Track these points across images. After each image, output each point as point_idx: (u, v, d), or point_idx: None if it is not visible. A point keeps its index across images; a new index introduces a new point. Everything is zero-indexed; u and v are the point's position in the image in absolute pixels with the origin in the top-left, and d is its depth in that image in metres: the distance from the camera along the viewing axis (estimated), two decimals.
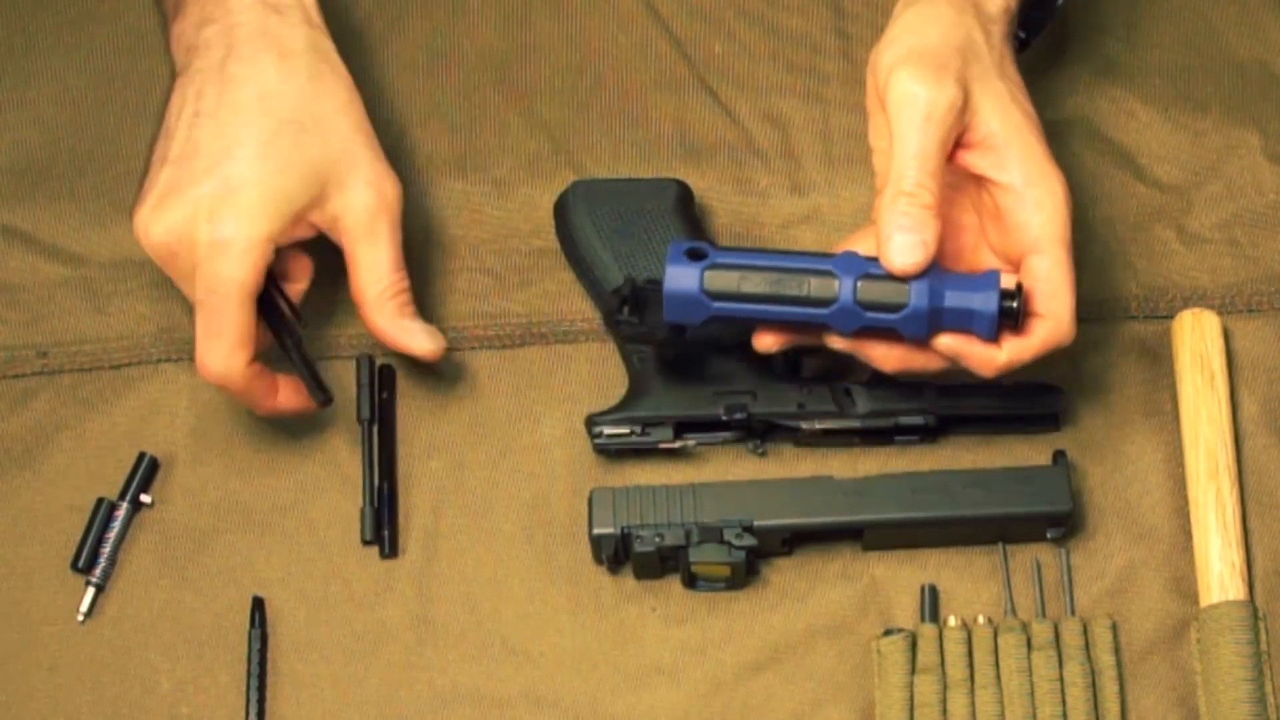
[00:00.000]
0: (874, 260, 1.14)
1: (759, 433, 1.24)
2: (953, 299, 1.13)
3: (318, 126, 1.19)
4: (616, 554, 1.21)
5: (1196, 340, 1.25)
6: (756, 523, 1.20)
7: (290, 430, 1.26)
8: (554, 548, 1.23)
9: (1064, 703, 1.18)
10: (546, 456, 1.25)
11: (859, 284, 1.13)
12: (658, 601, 1.22)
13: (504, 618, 1.22)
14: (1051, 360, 1.25)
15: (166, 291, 1.27)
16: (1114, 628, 1.20)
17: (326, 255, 1.30)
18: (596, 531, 1.20)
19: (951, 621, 1.20)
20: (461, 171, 1.33)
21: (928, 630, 1.20)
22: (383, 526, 1.23)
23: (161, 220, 1.16)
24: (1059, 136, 1.32)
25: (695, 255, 1.15)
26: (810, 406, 1.23)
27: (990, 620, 1.21)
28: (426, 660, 1.21)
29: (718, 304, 1.15)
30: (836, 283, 1.14)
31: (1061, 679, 1.18)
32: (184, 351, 1.27)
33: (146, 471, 1.24)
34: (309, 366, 1.21)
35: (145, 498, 1.24)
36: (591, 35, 1.36)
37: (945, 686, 1.19)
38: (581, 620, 1.22)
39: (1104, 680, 1.19)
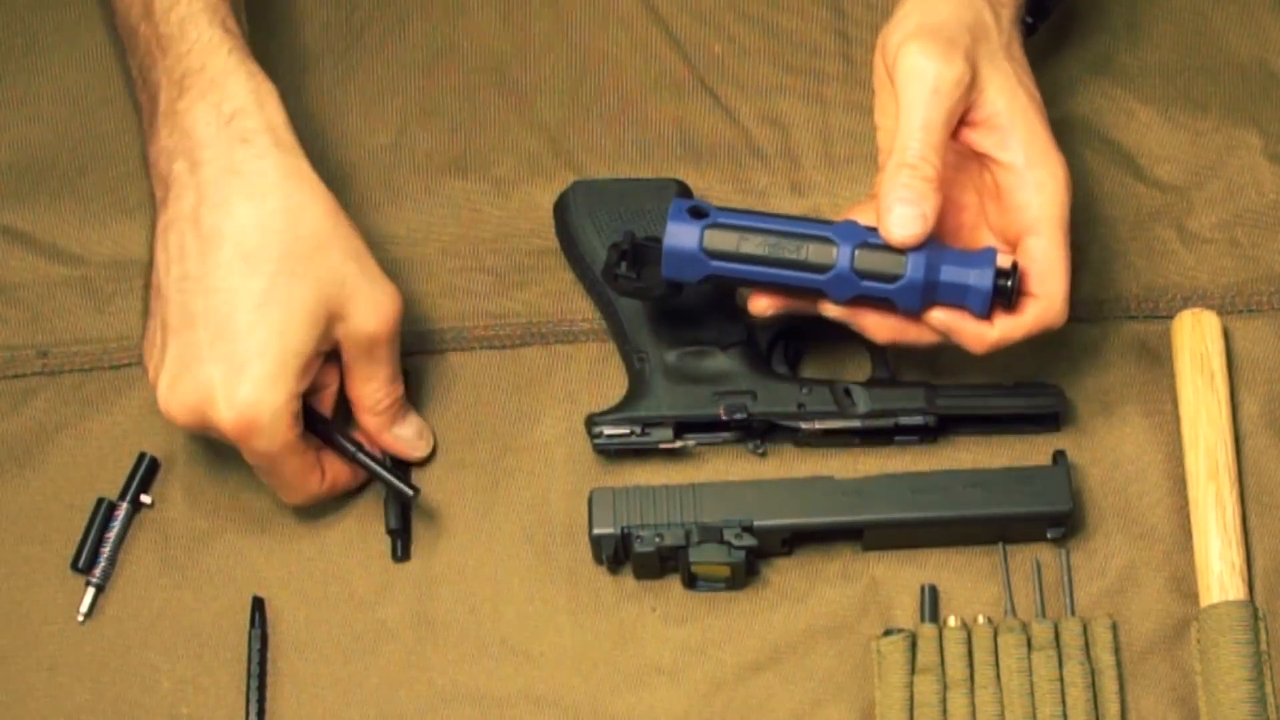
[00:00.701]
0: (873, 230, 1.15)
1: (759, 433, 1.24)
2: (948, 273, 1.14)
3: (306, 267, 1.15)
4: (616, 554, 1.21)
5: (1196, 340, 1.25)
6: (756, 523, 1.20)
7: None
8: (554, 548, 1.23)
9: (1064, 703, 1.18)
10: (546, 456, 1.25)
11: (856, 252, 1.14)
12: (658, 601, 1.22)
13: (504, 618, 1.22)
14: (1052, 360, 1.25)
15: None
16: (1114, 628, 1.20)
17: None
18: (596, 531, 1.20)
19: (951, 621, 1.20)
20: (461, 171, 1.33)
21: (928, 630, 1.20)
22: (398, 529, 1.23)
23: (180, 402, 1.15)
24: (1059, 136, 1.31)
25: (697, 213, 1.16)
26: (810, 406, 1.23)
27: (990, 620, 1.21)
28: (426, 660, 1.21)
29: (716, 263, 1.16)
30: (834, 249, 1.15)
31: (1061, 679, 1.18)
32: None
33: (147, 472, 1.24)
34: (385, 469, 1.21)
35: (145, 498, 1.24)
36: (591, 35, 1.36)
37: (945, 686, 1.19)
38: (581, 620, 1.22)
39: (1104, 680, 1.19)
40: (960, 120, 1.16)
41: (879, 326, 1.18)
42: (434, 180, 1.32)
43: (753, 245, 1.15)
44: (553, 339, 1.28)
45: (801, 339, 1.26)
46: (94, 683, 1.21)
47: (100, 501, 1.23)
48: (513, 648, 1.21)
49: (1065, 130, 1.32)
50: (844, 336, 1.23)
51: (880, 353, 1.25)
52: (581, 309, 1.29)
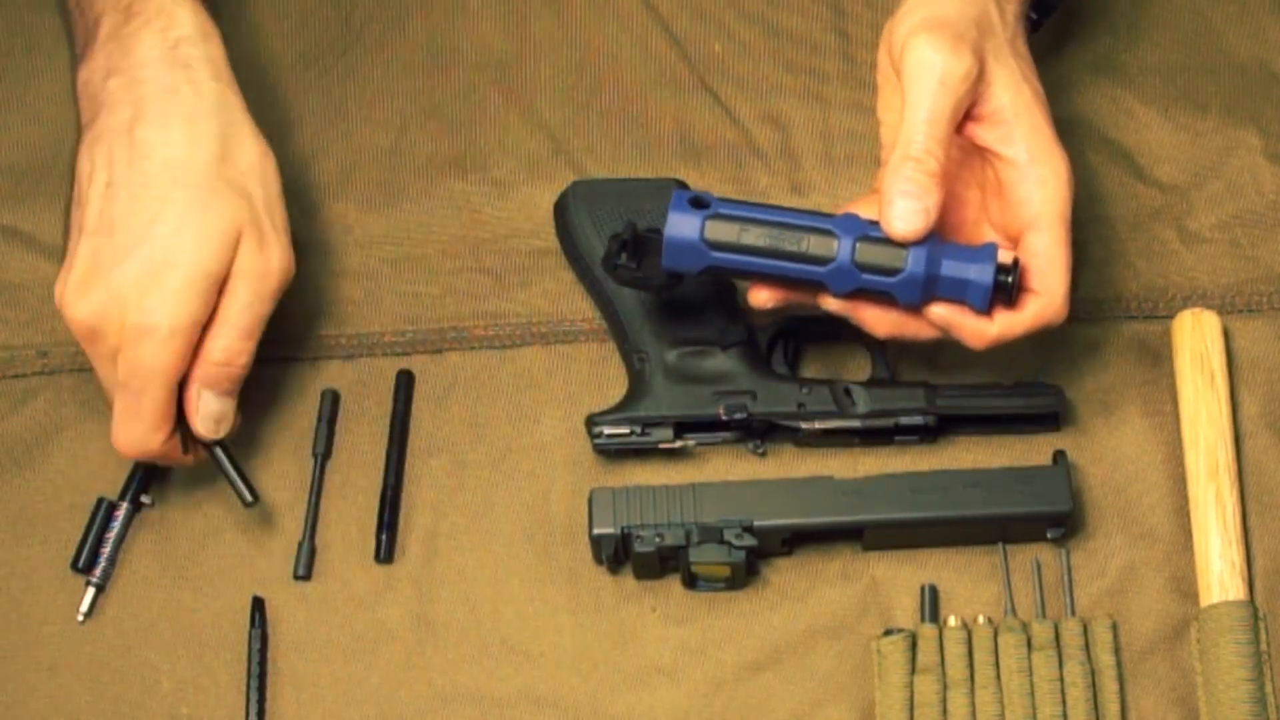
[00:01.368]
0: (875, 223, 1.15)
1: (759, 433, 1.24)
2: (949, 268, 1.14)
3: (228, 189, 1.17)
4: (616, 554, 1.21)
5: (1196, 340, 1.25)
6: (756, 523, 1.20)
7: (291, 431, 1.26)
8: (554, 548, 1.23)
9: (1064, 703, 1.18)
10: (546, 456, 1.25)
11: (857, 245, 1.14)
12: (658, 601, 1.22)
13: (504, 618, 1.22)
14: (1052, 360, 1.25)
15: None
16: (1114, 628, 1.20)
17: (323, 255, 1.31)
18: (596, 531, 1.20)
19: (951, 621, 1.20)
20: (461, 171, 1.33)
21: (928, 630, 1.20)
22: (381, 530, 1.23)
23: (85, 300, 1.14)
24: (1059, 136, 1.32)
25: (698, 204, 1.16)
26: (810, 406, 1.23)
27: (990, 620, 1.21)
28: (426, 660, 1.21)
29: (716, 254, 1.16)
30: (835, 242, 1.15)
31: (1061, 679, 1.18)
32: None
33: (147, 472, 1.24)
34: (234, 466, 1.20)
35: (145, 498, 1.24)
36: (591, 35, 1.36)
37: (945, 686, 1.19)
38: (581, 620, 1.22)
39: (1104, 680, 1.19)
40: (965, 114, 1.16)
41: (879, 321, 1.18)
42: (434, 181, 1.32)
43: (753, 237, 1.15)
44: (553, 339, 1.28)
45: (801, 339, 1.26)
46: (94, 683, 1.21)
47: (100, 501, 1.23)
48: (513, 648, 1.21)
49: (1066, 130, 1.32)
50: (844, 336, 1.23)
51: (880, 353, 1.25)
52: (581, 309, 1.29)
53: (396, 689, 1.20)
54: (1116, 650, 1.20)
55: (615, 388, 1.26)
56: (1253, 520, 1.23)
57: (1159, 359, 1.27)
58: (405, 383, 1.27)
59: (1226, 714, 1.17)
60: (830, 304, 1.17)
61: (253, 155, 1.19)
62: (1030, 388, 1.24)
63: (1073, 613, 1.21)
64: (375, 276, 1.30)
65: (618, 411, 1.23)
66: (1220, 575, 1.20)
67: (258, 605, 1.22)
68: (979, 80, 1.15)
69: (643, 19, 1.36)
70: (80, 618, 1.22)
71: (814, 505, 1.21)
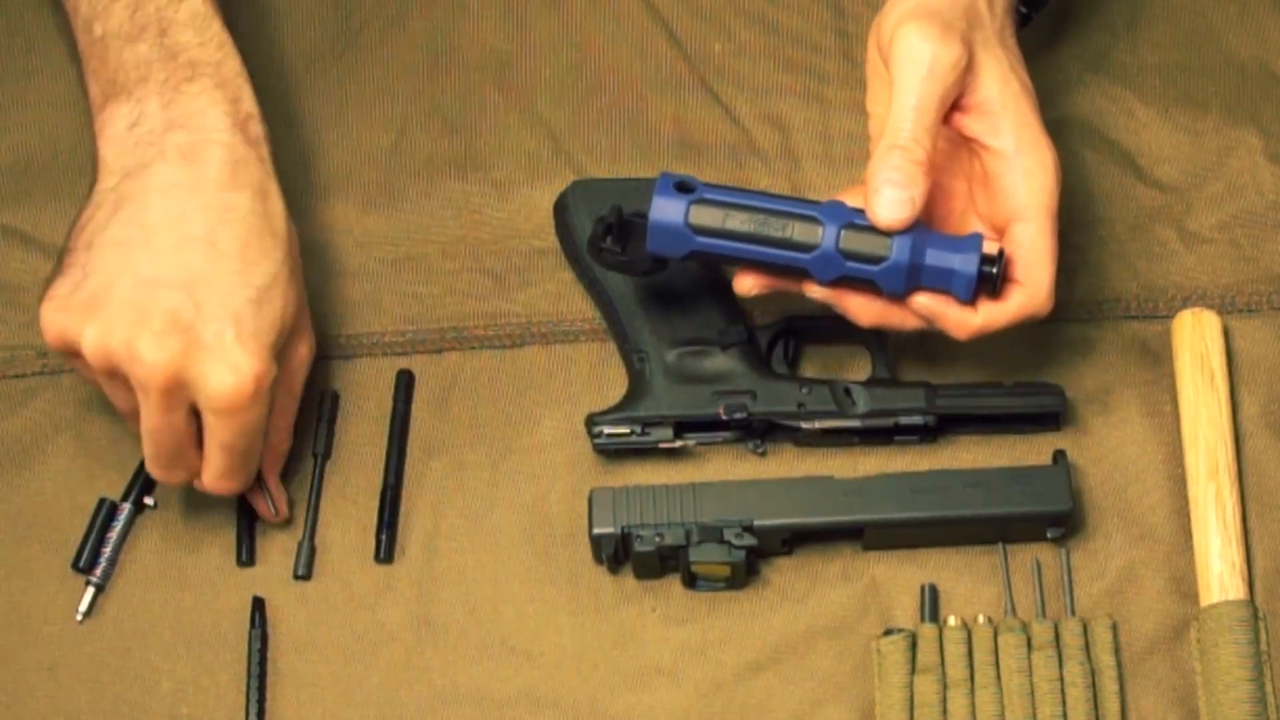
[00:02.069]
0: (861, 211, 1.15)
1: (759, 433, 1.24)
2: (933, 257, 1.14)
3: (298, 273, 1.19)
4: (616, 554, 1.21)
5: (1196, 340, 1.25)
6: (756, 523, 1.20)
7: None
8: (554, 548, 1.23)
9: (1064, 703, 1.18)
10: (546, 457, 1.25)
11: (842, 232, 1.15)
12: (658, 601, 1.22)
13: (504, 618, 1.22)
14: (1052, 360, 1.25)
15: None
16: (1114, 628, 1.20)
17: (323, 255, 1.31)
18: (596, 531, 1.20)
19: (951, 621, 1.20)
20: (461, 172, 1.33)
21: (928, 630, 1.20)
22: (381, 531, 1.23)
23: (162, 354, 1.13)
24: (1059, 136, 1.31)
25: (684, 188, 1.16)
26: (810, 406, 1.23)
27: (990, 620, 1.21)
28: (426, 660, 1.21)
29: (700, 239, 1.16)
30: (820, 229, 1.15)
31: (1061, 679, 1.18)
32: None
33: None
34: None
35: (149, 500, 1.24)
36: (591, 35, 1.36)
37: (945, 686, 1.19)
38: (581, 620, 1.22)
39: (1104, 680, 1.19)
40: (952, 105, 1.16)
41: (863, 310, 1.18)
42: (434, 181, 1.32)
43: (738, 222, 1.15)
44: (553, 339, 1.28)
45: (801, 339, 1.26)
46: (94, 683, 1.21)
47: (102, 501, 1.23)
48: (513, 648, 1.21)
49: (1065, 130, 1.32)
50: (844, 336, 1.23)
51: (880, 353, 1.25)
52: (581, 309, 1.29)
53: (396, 689, 1.20)
54: (1116, 650, 1.20)
55: (615, 388, 1.26)
56: (1253, 520, 1.23)
57: (1159, 359, 1.27)
58: (405, 383, 1.27)
59: (1226, 714, 1.17)
60: (814, 292, 1.17)
61: (297, 245, 1.20)
62: (1030, 388, 1.24)
63: (1073, 613, 1.21)
64: (375, 277, 1.30)
65: (618, 411, 1.23)
66: (1220, 575, 1.20)
67: (258, 605, 1.22)
68: (967, 70, 1.15)
69: (642, 19, 1.36)
70: (79, 617, 1.22)
71: (814, 505, 1.21)
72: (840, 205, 1.16)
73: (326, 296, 1.29)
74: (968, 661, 1.19)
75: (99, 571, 1.22)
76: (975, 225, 1.19)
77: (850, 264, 1.15)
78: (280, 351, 1.17)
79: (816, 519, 1.21)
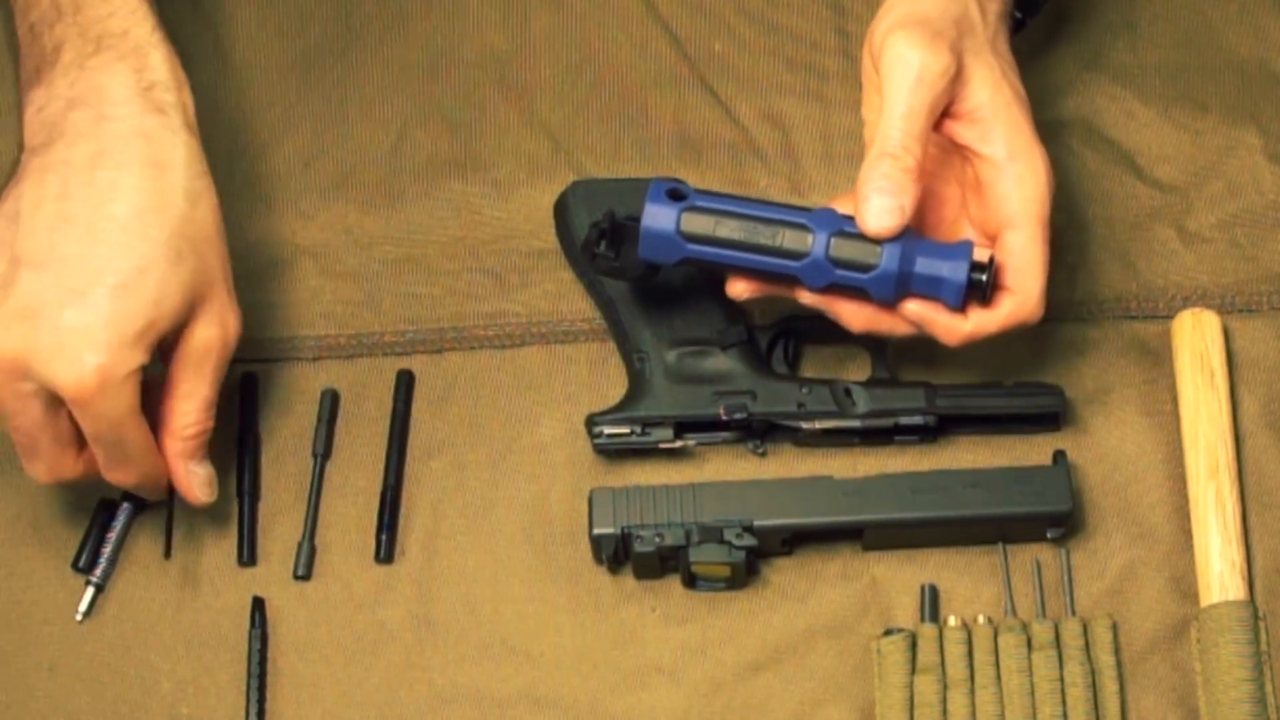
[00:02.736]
0: (852, 218, 1.15)
1: (759, 433, 1.24)
2: (923, 265, 1.15)
3: (191, 253, 1.14)
4: (616, 554, 1.21)
5: (1196, 340, 1.25)
6: (756, 523, 1.20)
7: (291, 430, 1.26)
8: (554, 548, 1.23)
9: (1064, 703, 1.18)
10: (546, 457, 1.25)
11: (832, 240, 1.15)
12: (658, 601, 1.22)
13: (504, 618, 1.22)
14: (1052, 360, 1.25)
15: None
16: (1114, 628, 1.20)
17: (323, 255, 1.30)
18: (596, 531, 1.20)
19: (951, 621, 1.20)
20: (461, 172, 1.33)
21: (928, 630, 1.20)
22: (381, 531, 1.23)
23: (13, 332, 1.10)
24: (1059, 136, 1.32)
25: (675, 195, 1.16)
26: (810, 406, 1.23)
27: (990, 620, 1.21)
28: (426, 660, 1.21)
29: (692, 246, 1.16)
30: (810, 237, 1.15)
31: (1061, 679, 1.18)
32: None
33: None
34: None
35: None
36: (591, 35, 1.36)
37: (945, 686, 1.19)
38: (581, 620, 1.22)
39: (1104, 680, 1.19)
40: (944, 112, 1.16)
41: (854, 316, 1.18)
42: (434, 181, 1.32)
43: (729, 230, 1.16)
44: (553, 339, 1.28)
45: (801, 339, 1.26)
46: (94, 683, 1.21)
47: (101, 501, 1.23)
48: (513, 648, 1.21)
49: (1065, 130, 1.32)
50: (844, 337, 1.23)
51: (880, 353, 1.25)
52: (581, 309, 1.29)
53: (396, 689, 1.20)
54: (1116, 650, 1.20)
55: (615, 388, 1.26)
56: (1253, 520, 1.23)
57: (1159, 359, 1.27)
58: (405, 383, 1.27)
59: (1226, 714, 1.17)
60: (805, 298, 1.18)
61: (213, 216, 1.16)
62: (1030, 388, 1.24)
63: (1073, 613, 1.21)
64: (375, 277, 1.30)
65: (618, 411, 1.23)
66: (1220, 575, 1.20)
67: (258, 605, 1.22)
68: (957, 78, 1.15)
69: (642, 18, 1.36)
70: (79, 617, 1.22)
71: (814, 505, 1.21)
72: (831, 212, 1.16)
73: (326, 296, 1.29)
74: (968, 661, 1.19)
75: (99, 571, 1.22)
76: (967, 232, 1.20)
77: (840, 271, 1.15)
78: (167, 335, 1.14)
79: (816, 519, 1.21)
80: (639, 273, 1.19)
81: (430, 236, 1.31)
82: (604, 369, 1.27)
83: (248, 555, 1.23)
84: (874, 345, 1.25)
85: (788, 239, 1.15)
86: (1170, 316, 1.27)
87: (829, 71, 1.35)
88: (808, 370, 1.27)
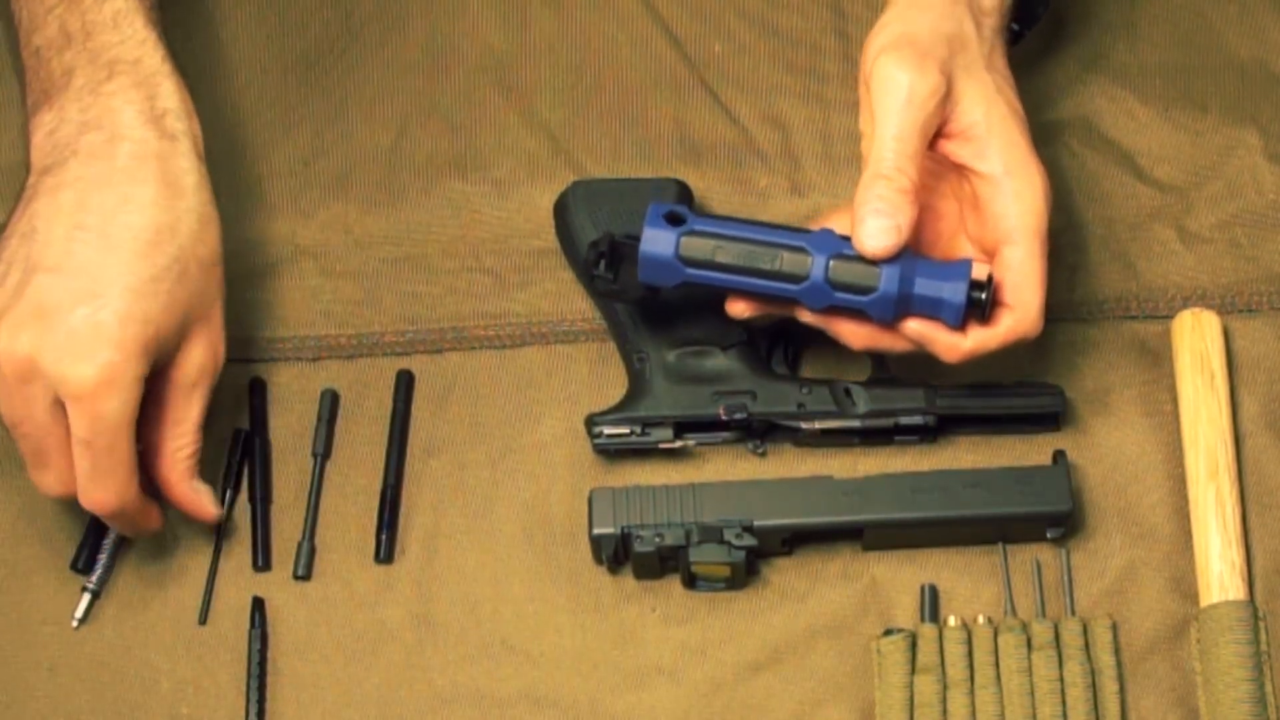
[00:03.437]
0: (849, 239, 1.15)
1: (759, 433, 1.24)
2: (922, 286, 1.15)
3: (197, 274, 1.16)
4: (616, 554, 1.21)
5: (1196, 340, 1.25)
6: (756, 523, 1.20)
7: (291, 430, 1.26)
8: (554, 548, 1.23)
9: (1064, 703, 1.18)
10: (546, 456, 1.25)
11: (831, 263, 1.15)
12: (658, 601, 1.22)
13: (504, 618, 1.22)
14: (1052, 360, 1.25)
15: None
16: (1114, 628, 1.20)
17: (323, 255, 1.31)
18: (596, 531, 1.20)
19: (951, 621, 1.20)
20: (461, 171, 1.33)
21: (928, 630, 1.20)
22: (381, 530, 1.23)
23: (25, 335, 1.11)
24: (1059, 136, 1.32)
25: (674, 220, 1.17)
26: (810, 406, 1.23)
27: (990, 620, 1.21)
28: (426, 660, 1.21)
29: (691, 270, 1.17)
30: (809, 260, 1.15)
31: (1061, 679, 1.18)
32: None
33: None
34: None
35: None
36: (591, 35, 1.36)
37: (945, 686, 1.19)
38: (581, 620, 1.22)
39: (1104, 680, 1.19)
40: (938, 132, 1.16)
41: (854, 334, 1.18)
42: (434, 181, 1.32)
43: (728, 254, 1.16)
44: (553, 339, 1.28)
45: (801, 339, 1.26)
46: (94, 683, 1.21)
47: None
48: (513, 648, 1.21)
49: (1065, 130, 1.32)
50: None
51: (880, 353, 1.25)
52: (581, 309, 1.29)
53: (396, 689, 1.20)
54: (1116, 650, 1.20)
55: (615, 388, 1.26)
56: (1253, 520, 1.23)
57: (1159, 359, 1.27)
58: (405, 383, 1.27)
59: (1226, 714, 1.17)
60: (806, 317, 1.18)
61: (218, 244, 1.18)
62: (1030, 388, 1.24)
63: (1073, 613, 1.21)
64: (375, 276, 1.30)
65: (618, 411, 1.23)
66: (1220, 575, 1.20)
67: (258, 605, 1.22)
68: (948, 98, 1.15)
69: (642, 19, 1.36)
70: (75, 623, 1.21)
71: (814, 505, 1.21)
72: (830, 234, 1.16)
73: (326, 296, 1.29)
74: (968, 661, 1.19)
75: (95, 578, 1.22)
76: (965, 246, 1.20)
77: (839, 294, 1.15)
78: (166, 352, 1.15)
79: (816, 519, 1.21)
80: (638, 294, 1.19)
81: (430, 236, 1.31)
82: (604, 369, 1.27)
83: (262, 561, 1.23)
84: None
85: (787, 263, 1.16)
86: (1170, 317, 1.27)
87: (828, 73, 1.35)
88: (808, 370, 1.27)
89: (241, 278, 1.24)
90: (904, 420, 1.23)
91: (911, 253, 1.15)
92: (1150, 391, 1.26)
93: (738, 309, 1.19)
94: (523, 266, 1.30)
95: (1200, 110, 1.33)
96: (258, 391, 1.26)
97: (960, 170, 1.19)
